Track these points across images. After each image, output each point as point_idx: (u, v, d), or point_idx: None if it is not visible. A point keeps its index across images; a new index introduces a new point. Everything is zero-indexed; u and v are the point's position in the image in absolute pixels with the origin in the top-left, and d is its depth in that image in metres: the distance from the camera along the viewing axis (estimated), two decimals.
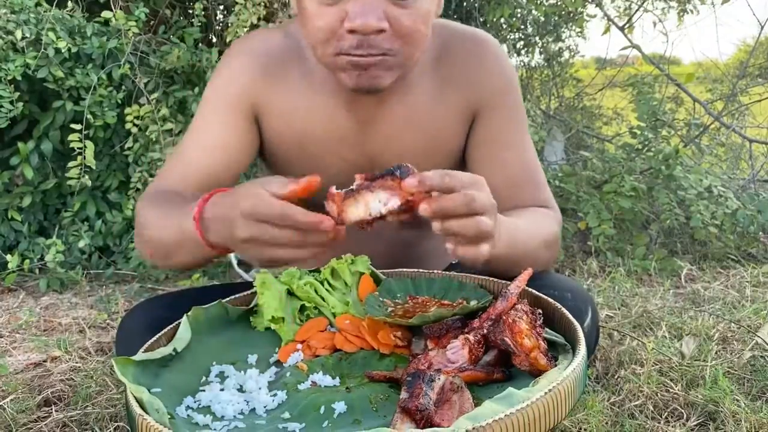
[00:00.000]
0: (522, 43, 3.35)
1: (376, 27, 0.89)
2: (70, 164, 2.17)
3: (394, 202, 0.78)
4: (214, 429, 0.72)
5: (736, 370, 1.45)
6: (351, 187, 0.80)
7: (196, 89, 2.38)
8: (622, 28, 2.88)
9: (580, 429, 1.24)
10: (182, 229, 0.92)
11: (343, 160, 1.11)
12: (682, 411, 1.31)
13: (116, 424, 1.31)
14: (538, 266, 1.03)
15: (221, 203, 0.87)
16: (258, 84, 1.09)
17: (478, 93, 1.10)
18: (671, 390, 1.37)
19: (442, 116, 1.10)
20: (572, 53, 3.48)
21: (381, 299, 0.96)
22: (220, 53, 2.45)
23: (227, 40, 2.35)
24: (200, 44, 2.47)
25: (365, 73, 0.95)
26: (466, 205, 0.77)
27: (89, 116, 2.19)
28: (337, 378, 0.83)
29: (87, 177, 2.18)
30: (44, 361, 1.65)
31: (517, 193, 1.10)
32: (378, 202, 0.78)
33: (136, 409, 0.68)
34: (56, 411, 1.39)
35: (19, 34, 2.09)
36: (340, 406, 0.74)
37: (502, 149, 1.10)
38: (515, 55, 3.41)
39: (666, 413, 1.31)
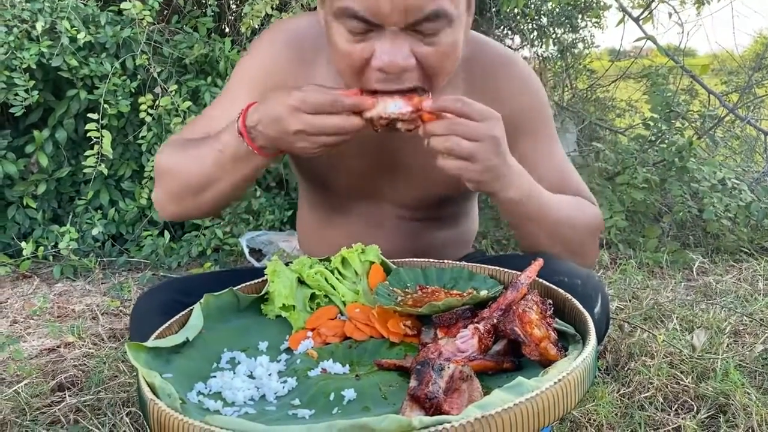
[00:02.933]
0: (535, 33, 3.33)
1: (403, 66, 0.91)
2: (87, 153, 2.19)
3: (407, 109, 0.91)
4: (225, 414, 0.72)
5: (747, 363, 1.45)
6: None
7: (209, 79, 2.38)
8: (636, 19, 2.85)
9: (590, 419, 1.24)
10: (221, 149, 0.99)
11: (365, 155, 1.11)
12: (693, 403, 1.30)
13: (128, 409, 1.33)
14: (565, 244, 1.05)
15: (265, 106, 0.94)
16: (286, 68, 1.10)
17: (506, 114, 1.06)
18: (681, 382, 1.37)
19: None
20: (587, 44, 3.45)
21: (391, 288, 0.97)
22: (233, 43, 2.46)
23: (241, 31, 2.36)
24: (213, 34, 2.48)
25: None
26: (447, 129, 0.89)
27: (105, 105, 2.20)
28: (347, 366, 0.83)
29: (103, 165, 2.20)
30: (58, 347, 1.67)
31: None
32: (395, 105, 0.91)
33: (148, 394, 0.69)
34: (69, 396, 1.40)
35: (40, 26, 2.10)
36: (349, 393, 0.75)
37: (536, 166, 1.11)
38: (529, 45, 3.39)
39: (676, 405, 1.30)
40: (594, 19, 3.29)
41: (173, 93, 2.25)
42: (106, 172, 2.25)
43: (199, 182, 1.04)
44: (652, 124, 2.60)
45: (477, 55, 1.09)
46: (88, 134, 2.17)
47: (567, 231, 1.06)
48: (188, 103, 2.26)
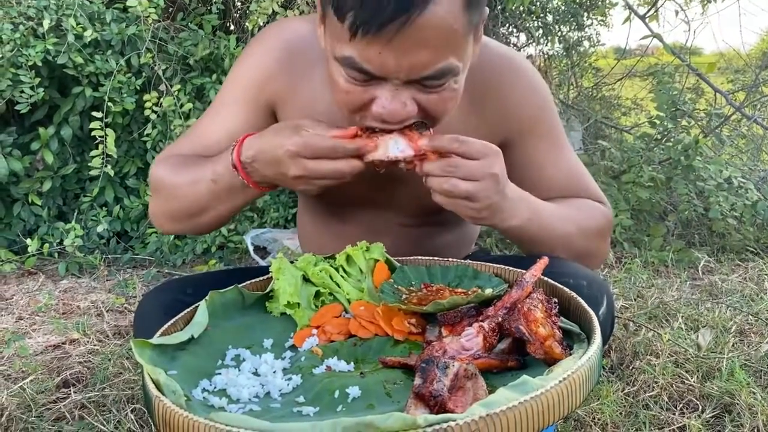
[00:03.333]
0: (541, 31, 3.32)
1: (402, 117, 0.89)
2: (93, 153, 2.20)
3: (409, 152, 0.90)
4: (230, 411, 0.72)
5: (753, 363, 1.44)
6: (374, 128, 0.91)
7: (214, 76, 2.39)
8: (643, 17, 2.84)
9: (594, 418, 1.24)
10: (217, 179, 0.98)
11: (366, 163, 1.10)
12: (698, 403, 1.30)
13: (133, 405, 1.33)
14: (573, 253, 1.04)
15: (261, 143, 0.94)
16: (279, 77, 1.08)
17: (508, 119, 1.09)
18: (687, 381, 1.36)
19: (468, 130, 1.05)
20: (593, 42, 3.44)
21: (396, 286, 0.96)
22: (238, 40, 2.46)
23: (247, 28, 2.36)
24: (218, 31, 2.48)
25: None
26: (445, 170, 0.88)
27: (109, 103, 2.21)
28: (352, 363, 0.83)
29: (109, 167, 2.20)
30: (63, 344, 1.68)
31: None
32: (396, 148, 0.90)
33: (153, 390, 0.69)
34: (74, 392, 1.41)
35: (46, 23, 2.10)
36: (354, 391, 0.75)
37: (544, 170, 1.11)
38: (534, 43, 3.38)
39: (681, 404, 1.30)
40: (600, 17, 3.28)
41: (177, 92, 2.25)
42: (112, 173, 2.25)
43: (195, 208, 1.04)
44: (658, 122, 2.59)
45: (478, 63, 1.02)
46: (93, 133, 2.18)
47: (576, 240, 1.06)
48: (190, 105, 2.26)
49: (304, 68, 1.08)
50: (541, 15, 3.26)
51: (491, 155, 0.89)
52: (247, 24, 2.37)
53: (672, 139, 2.51)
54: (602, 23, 3.33)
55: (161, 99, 2.27)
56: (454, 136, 0.89)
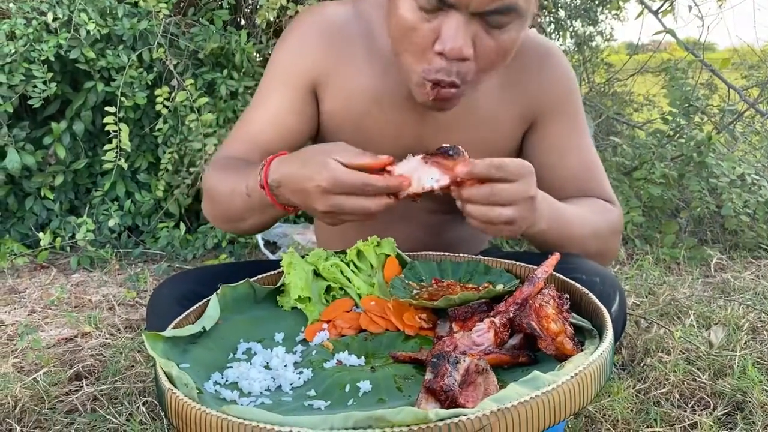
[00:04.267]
0: (552, 26, 3.30)
1: (463, 55, 0.91)
2: (106, 147, 2.21)
3: (444, 181, 0.87)
4: (242, 404, 0.73)
5: (765, 361, 1.43)
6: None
7: (225, 71, 2.39)
8: (656, 12, 2.82)
9: (605, 415, 1.24)
10: (250, 193, 0.98)
11: (397, 145, 1.11)
12: (709, 400, 1.29)
13: (145, 398, 1.34)
14: (586, 254, 1.05)
15: (290, 169, 0.91)
16: (320, 59, 1.10)
17: (540, 100, 1.13)
18: (698, 379, 1.36)
19: (500, 114, 1.12)
20: (605, 38, 3.42)
21: (406, 281, 0.97)
22: (249, 35, 2.46)
23: (257, 23, 2.36)
24: (229, 26, 2.48)
25: (440, 102, 0.99)
26: (486, 198, 0.85)
27: (122, 98, 2.22)
28: (362, 358, 0.83)
29: (123, 160, 2.21)
30: (75, 337, 1.69)
31: (580, 192, 1.14)
32: (431, 178, 0.87)
33: (166, 383, 0.69)
34: (87, 385, 1.42)
35: (51, 15, 2.11)
36: (365, 385, 0.75)
37: (565, 153, 1.13)
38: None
39: (692, 402, 1.29)
40: (614, 12, 3.26)
41: (188, 86, 2.26)
42: (126, 167, 2.26)
43: (234, 216, 1.06)
44: (670, 118, 2.57)
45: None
46: (106, 128, 2.19)
47: (590, 242, 1.07)
48: (204, 99, 2.27)
49: (344, 47, 1.09)
50: (553, 10, 3.24)
51: (527, 175, 0.88)
52: (257, 18, 2.37)
53: (685, 136, 2.49)
54: (616, 17, 3.30)
55: (172, 94, 2.28)
56: (489, 161, 0.86)
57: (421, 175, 0.87)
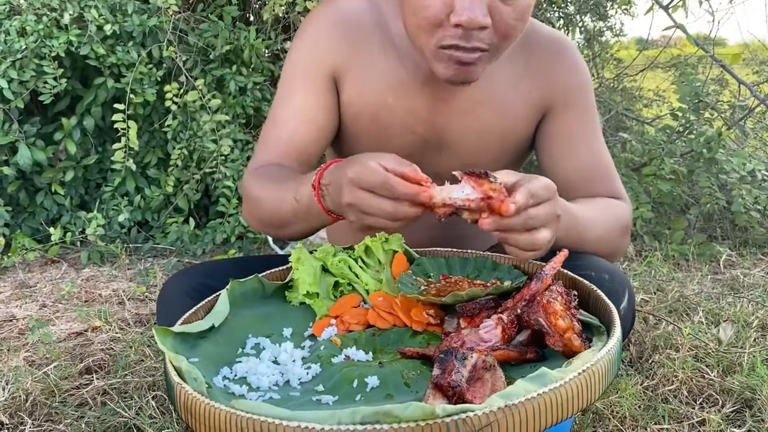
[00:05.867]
0: (562, 21, 3.29)
1: (481, 23, 0.92)
2: (115, 146, 2.22)
3: (475, 195, 0.81)
4: (250, 399, 0.73)
5: None
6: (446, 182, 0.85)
7: (234, 67, 2.40)
8: (666, 7, 2.80)
9: (613, 411, 1.24)
10: (298, 199, 0.97)
11: (413, 133, 1.13)
12: (718, 397, 1.29)
13: (154, 392, 1.35)
14: (597, 254, 1.04)
15: (335, 170, 0.91)
16: (337, 50, 1.11)
17: (553, 89, 1.13)
18: (707, 376, 1.35)
19: (515, 104, 1.13)
20: (615, 33, 3.40)
21: (414, 277, 0.97)
22: (258, 31, 2.46)
23: (264, 18, 2.36)
24: (238, 22, 2.49)
25: (463, 68, 0.98)
26: (523, 224, 0.82)
27: (131, 95, 2.23)
28: (370, 353, 0.84)
29: (131, 161, 2.22)
30: (85, 331, 1.71)
31: (589, 185, 1.13)
32: (461, 191, 0.82)
33: (175, 377, 0.70)
34: (97, 379, 1.43)
35: (67, 15, 2.12)
36: (372, 381, 0.75)
37: (575, 144, 1.13)
38: None
39: (701, 399, 1.29)
40: (623, 7, 3.24)
41: (198, 84, 2.26)
42: (134, 168, 2.28)
43: (278, 222, 1.05)
44: (680, 114, 2.56)
45: (534, 36, 1.12)
46: (115, 125, 2.20)
47: (601, 243, 1.06)
48: (217, 101, 2.27)
49: (359, 38, 1.10)
50: (563, 5, 3.22)
51: (553, 196, 0.85)
52: (264, 14, 2.37)
53: (694, 132, 2.48)
54: (626, 12, 3.28)
55: (182, 90, 2.29)
56: (525, 189, 0.82)
57: (452, 190, 0.83)
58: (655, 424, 1.22)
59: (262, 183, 1.08)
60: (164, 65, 2.36)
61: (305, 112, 1.12)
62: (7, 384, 1.39)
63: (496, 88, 1.11)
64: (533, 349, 0.80)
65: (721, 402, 1.27)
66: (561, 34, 1.19)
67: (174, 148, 2.37)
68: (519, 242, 0.84)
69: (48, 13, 2.15)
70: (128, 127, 2.18)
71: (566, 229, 0.97)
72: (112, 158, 2.24)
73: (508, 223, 0.82)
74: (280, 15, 2.38)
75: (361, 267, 1.00)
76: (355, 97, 1.13)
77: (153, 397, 1.33)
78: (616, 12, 3.32)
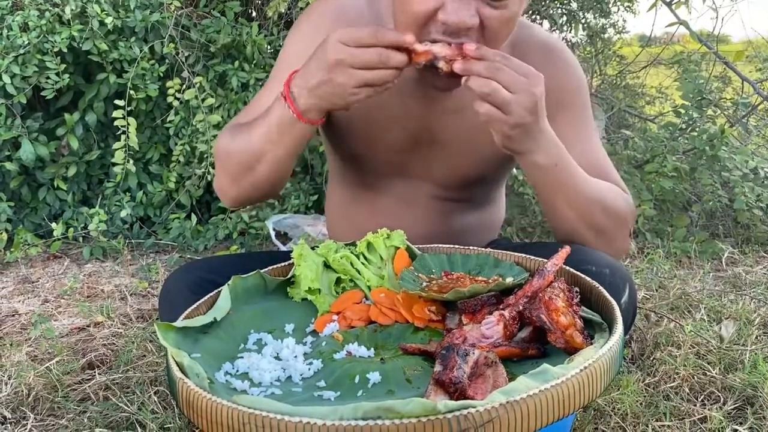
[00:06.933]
0: (565, 18, 3.28)
1: (468, 25, 0.93)
2: (115, 146, 2.22)
3: (451, 51, 0.91)
4: (252, 394, 0.73)
5: None
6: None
7: (236, 63, 2.39)
8: (669, 4, 2.79)
9: (614, 408, 1.24)
10: (270, 118, 1.00)
11: (405, 130, 1.13)
12: (719, 395, 1.29)
13: (156, 387, 1.35)
14: (592, 226, 1.04)
15: (309, 60, 0.95)
16: None
17: (550, 92, 1.11)
18: (708, 373, 1.35)
19: None
20: (617, 30, 3.39)
21: (416, 274, 0.97)
22: (260, 27, 2.46)
23: (267, 15, 2.36)
24: (240, 18, 2.48)
25: (451, 79, 0.98)
26: (489, 71, 0.88)
27: (131, 91, 2.23)
28: (372, 349, 0.84)
29: (131, 162, 2.23)
30: (87, 326, 1.71)
31: None
32: (438, 46, 0.91)
33: (177, 373, 0.70)
34: (99, 374, 1.44)
35: (69, 9, 2.12)
36: (374, 377, 0.75)
37: (571, 146, 1.12)
38: (558, 31, 3.34)
39: (702, 396, 1.29)
40: (626, 4, 3.23)
41: (197, 82, 2.26)
42: (134, 169, 2.28)
43: (251, 158, 1.06)
44: (683, 111, 2.56)
45: (524, 38, 1.12)
46: (115, 123, 2.20)
47: (596, 211, 1.05)
48: (211, 100, 2.27)
49: None
50: (565, 2, 3.21)
51: (535, 76, 0.91)
52: (267, 10, 2.37)
53: (697, 129, 2.47)
54: (628, 9, 3.27)
55: (184, 86, 2.29)
56: (500, 53, 0.90)
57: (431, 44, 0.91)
58: (657, 421, 1.22)
59: (232, 132, 1.11)
60: (167, 61, 2.36)
61: None
62: (9, 379, 1.39)
63: None
64: (535, 346, 0.80)
65: (722, 399, 1.27)
66: (553, 36, 1.20)
67: (176, 144, 2.37)
68: (473, 84, 0.89)
69: (50, 8, 2.15)
70: (128, 124, 2.18)
71: (552, 158, 0.98)
72: (113, 160, 2.24)
73: (473, 65, 0.88)
74: (283, 11, 2.37)
75: (363, 263, 1.00)
76: None
77: (155, 393, 1.33)
78: (618, 9, 3.31)
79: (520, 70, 0.90)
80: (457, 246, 1.05)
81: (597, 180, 1.08)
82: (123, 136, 2.20)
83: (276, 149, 1.03)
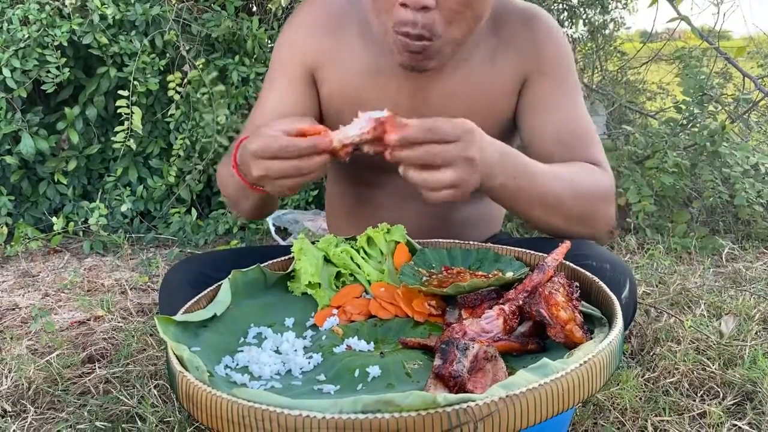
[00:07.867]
0: (565, 14, 3.27)
1: (424, 3, 0.94)
2: (117, 128, 2.21)
3: (368, 127, 0.88)
4: (252, 388, 0.74)
5: None
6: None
7: (237, 57, 2.39)
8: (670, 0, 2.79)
9: (614, 403, 1.24)
10: (232, 175, 1.03)
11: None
12: (719, 390, 1.29)
13: (156, 381, 1.35)
14: (568, 217, 1.03)
15: (242, 149, 0.97)
16: (315, 43, 1.14)
17: (528, 59, 1.13)
18: (708, 368, 1.35)
19: (495, 83, 1.13)
20: (618, 25, 3.38)
21: (416, 268, 0.97)
22: (261, 21, 2.46)
23: (269, 9, 2.35)
24: (241, 12, 2.48)
25: (413, 55, 1.01)
26: (419, 157, 0.86)
27: (135, 83, 2.22)
28: (372, 343, 0.84)
29: (132, 141, 2.22)
30: (88, 320, 1.71)
31: (566, 153, 1.10)
32: (356, 127, 0.89)
33: (177, 366, 0.70)
34: (99, 367, 1.44)
35: (68, 2, 2.12)
36: (374, 370, 0.75)
37: (551, 112, 1.12)
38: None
39: (702, 391, 1.29)
40: (624, 1, 3.22)
41: (201, 68, 2.25)
42: (134, 147, 2.27)
43: (233, 199, 1.12)
44: (683, 107, 2.55)
45: (506, 8, 1.13)
46: (119, 110, 2.20)
47: (569, 202, 1.03)
48: (221, 88, 2.27)
49: (340, 32, 1.13)
50: None
51: (464, 135, 0.88)
52: (269, 5, 2.36)
53: (698, 125, 2.47)
54: (625, 8, 3.27)
55: (185, 80, 2.28)
56: (421, 122, 0.86)
57: (348, 130, 0.89)
58: (656, 416, 1.22)
59: (223, 163, 1.14)
60: (167, 55, 2.35)
61: (280, 102, 1.15)
62: (9, 372, 1.39)
63: (474, 72, 1.12)
64: (535, 340, 0.80)
65: (722, 394, 1.28)
66: (531, 4, 1.18)
67: (176, 138, 2.36)
68: (413, 178, 0.88)
69: (51, 2, 2.15)
70: (132, 112, 2.18)
71: (514, 175, 0.96)
72: (113, 138, 2.23)
73: (402, 155, 0.86)
74: (284, 5, 2.37)
75: (363, 257, 1.00)
76: (336, 91, 1.15)
77: (155, 386, 1.34)
78: (616, 6, 3.30)
79: (449, 137, 0.86)
80: (457, 241, 1.05)
81: (562, 166, 1.06)
82: (126, 122, 2.19)
83: (247, 202, 1.08)
